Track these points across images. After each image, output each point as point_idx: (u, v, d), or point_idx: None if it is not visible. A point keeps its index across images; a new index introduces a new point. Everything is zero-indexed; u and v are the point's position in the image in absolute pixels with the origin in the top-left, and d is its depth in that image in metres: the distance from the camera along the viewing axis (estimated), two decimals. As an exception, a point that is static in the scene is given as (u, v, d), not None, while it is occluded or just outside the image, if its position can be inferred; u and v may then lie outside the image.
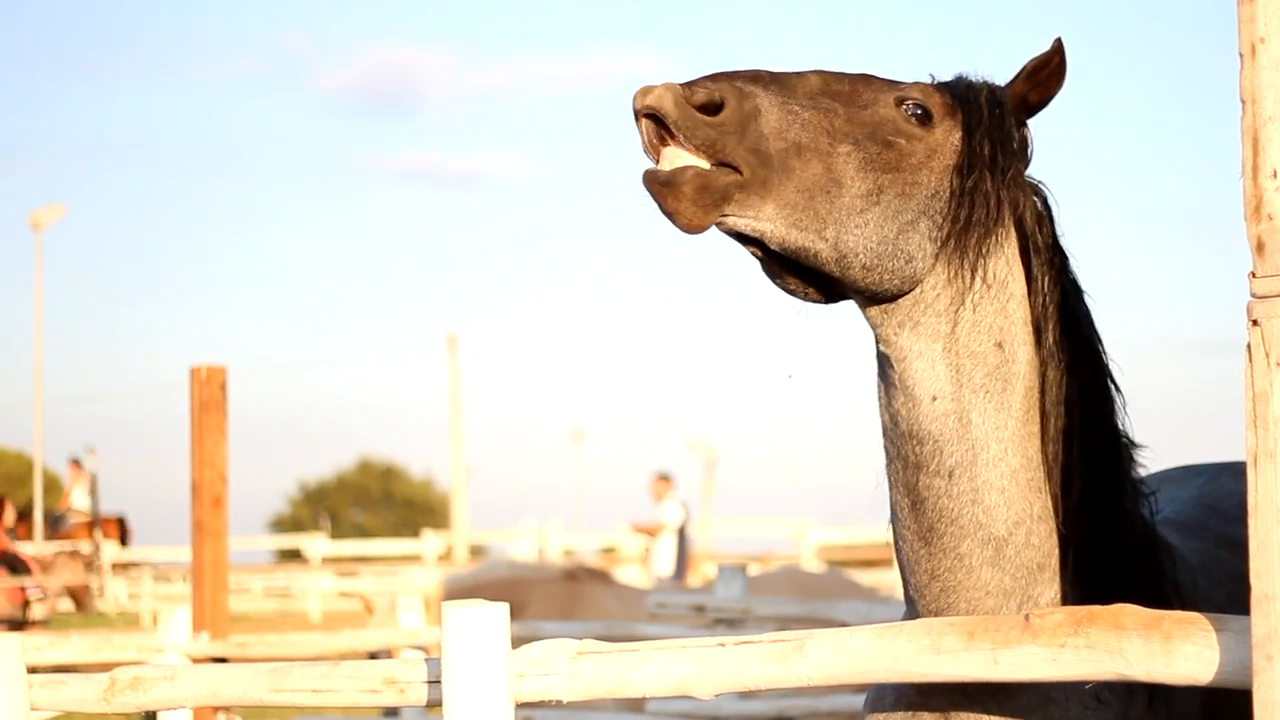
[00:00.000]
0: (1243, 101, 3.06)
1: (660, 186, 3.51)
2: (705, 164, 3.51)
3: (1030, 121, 3.83)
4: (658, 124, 3.52)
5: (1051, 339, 3.75)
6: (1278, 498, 3.00)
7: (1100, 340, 3.86)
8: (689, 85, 3.52)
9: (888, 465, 3.80)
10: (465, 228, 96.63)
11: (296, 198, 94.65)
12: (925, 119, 3.71)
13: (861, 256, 3.60)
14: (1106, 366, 3.85)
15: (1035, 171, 3.83)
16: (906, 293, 3.70)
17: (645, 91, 3.49)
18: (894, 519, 3.81)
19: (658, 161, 3.55)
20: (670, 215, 3.52)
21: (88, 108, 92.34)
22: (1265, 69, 3.04)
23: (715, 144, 3.50)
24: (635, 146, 3.58)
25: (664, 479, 22.95)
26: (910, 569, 3.77)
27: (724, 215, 3.53)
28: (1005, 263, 3.74)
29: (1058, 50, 3.75)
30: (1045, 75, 3.78)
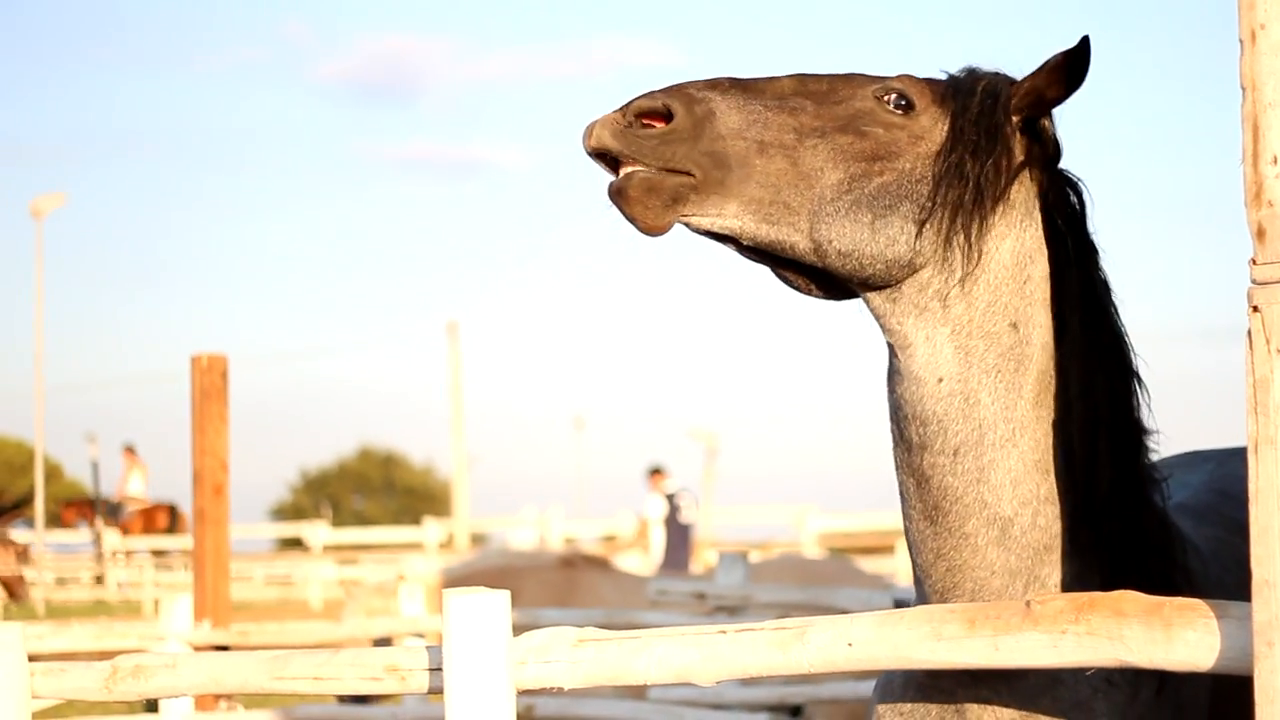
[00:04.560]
0: (1243, 88, 3.06)
1: (614, 196, 3.66)
2: (653, 171, 3.63)
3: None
4: (609, 161, 3.67)
5: (1076, 328, 3.77)
6: (1278, 484, 3.00)
7: (1126, 335, 3.88)
8: (630, 103, 3.63)
9: (894, 448, 3.82)
10: (465, 216, 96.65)
11: (296, 186, 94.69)
12: (908, 108, 3.75)
13: (836, 243, 3.66)
14: (1131, 361, 3.86)
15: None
16: (899, 279, 3.72)
17: (588, 133, 3.64)
18: (902, 500, 3.83)
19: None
20: (630, 220, 3.66)
21: (88, 97, 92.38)
22: (1265, 55, 3.04)
23: (661, 154, 3.61)
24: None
25: (656, 472, 23.19)
26: (917, 549, 3.79)
27: (685, 216, 3.65)
28: (1023, 246, 3.76)
29: (1084, 50, 3.69)
30: (1065, 73, 3.72)
